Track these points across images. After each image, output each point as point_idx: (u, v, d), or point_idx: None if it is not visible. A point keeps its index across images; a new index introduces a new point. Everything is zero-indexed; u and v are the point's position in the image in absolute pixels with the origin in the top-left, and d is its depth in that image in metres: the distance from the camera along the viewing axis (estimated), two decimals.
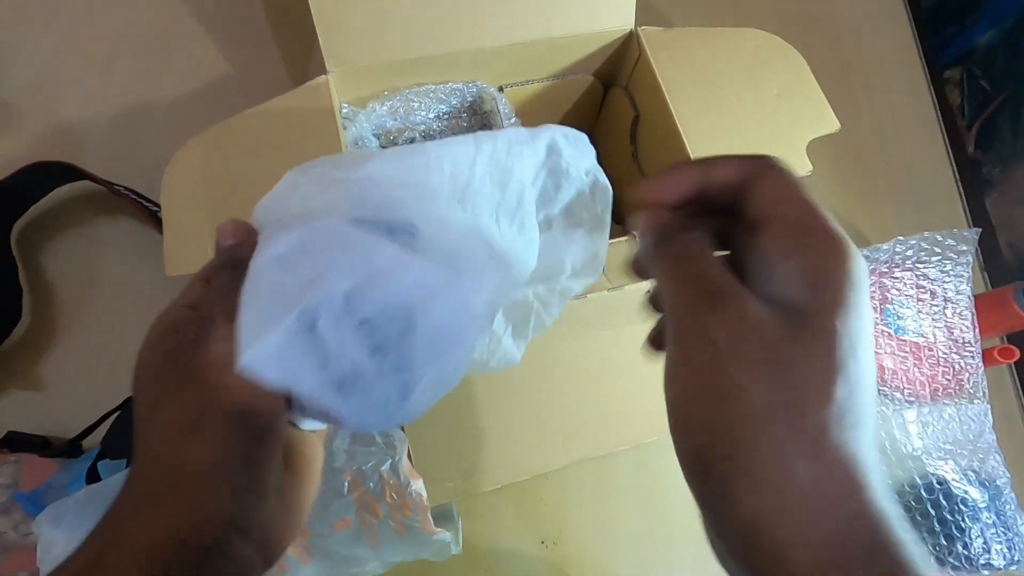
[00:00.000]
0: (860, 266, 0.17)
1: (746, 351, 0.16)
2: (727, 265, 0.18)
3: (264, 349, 0.18)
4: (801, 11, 0.61)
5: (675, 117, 0.39)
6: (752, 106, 0.40)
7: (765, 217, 0.18)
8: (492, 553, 0.42)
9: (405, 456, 0.33)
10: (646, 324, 0.37)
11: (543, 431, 0.40)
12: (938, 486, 0.42)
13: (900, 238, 0.47)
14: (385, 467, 0.32)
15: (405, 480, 0.32)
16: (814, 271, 0.16)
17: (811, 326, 0.16)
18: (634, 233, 0.21)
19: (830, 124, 0.40)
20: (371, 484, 0.32)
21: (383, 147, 0.43)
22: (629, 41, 0.42)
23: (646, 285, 0.33)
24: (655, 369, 0.35)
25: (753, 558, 0.15)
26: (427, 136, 0.43)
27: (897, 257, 0.47)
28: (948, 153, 0.59)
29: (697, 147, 0.38)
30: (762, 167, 0.18)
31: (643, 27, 0.41)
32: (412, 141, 0.43)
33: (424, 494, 0.32)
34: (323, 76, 0.37)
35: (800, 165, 0.39)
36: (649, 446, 0.45)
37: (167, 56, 0.53)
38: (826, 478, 0.15)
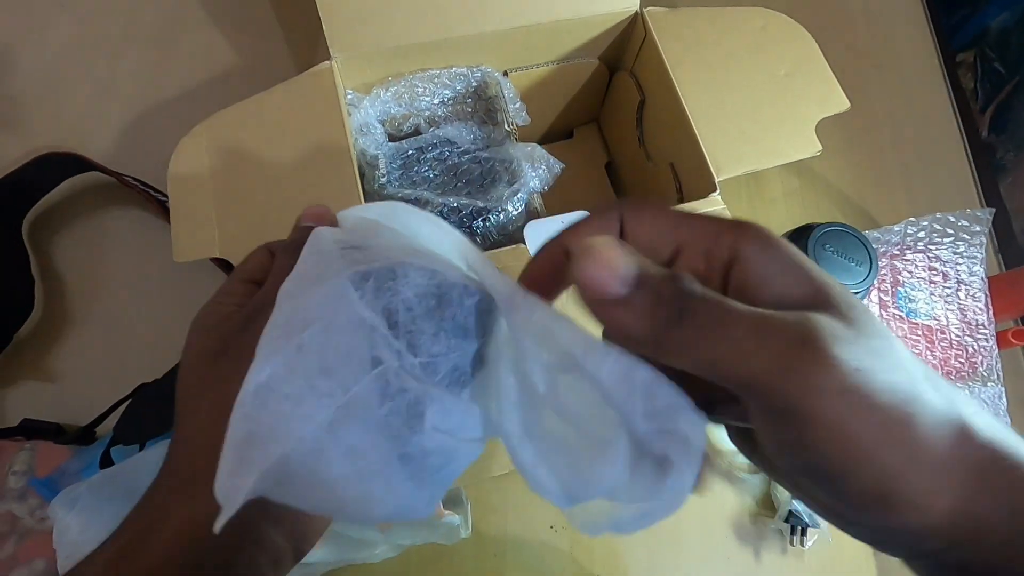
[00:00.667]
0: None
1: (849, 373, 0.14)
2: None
3: (236, 494, 0.15)
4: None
5: (682, 100, 0.39)
6: (760, 86, 0.40)
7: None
8: (501, 538, 0.42)
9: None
10: None
11: None
12: None
13: (912, 219, 0.46)
14: None
15: None
16: (796, 264, 0.16)
17: (854, 314, 0.15)
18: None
19: (840, 103, 0.39)
20: None
21: (388, 133, 0.43)
22: (634, 23, 0.42)
23: None
24: None
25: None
26: (431, 122, 0.43)
27: (909, 239, 0.47)
28: (962, 136, 0.58)
29: (705, 130, 0.38)
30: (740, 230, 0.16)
31: (649, 8, 0.41)
32: (417, 127, 0.43)
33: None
34: (327, 62, 0.37)
35: (810, 145, 0.38)
36: None
37: (174, 47, 0.53)
38: (940, 444, 0.14)
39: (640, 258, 0.15)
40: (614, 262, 0.14)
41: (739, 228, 0.16)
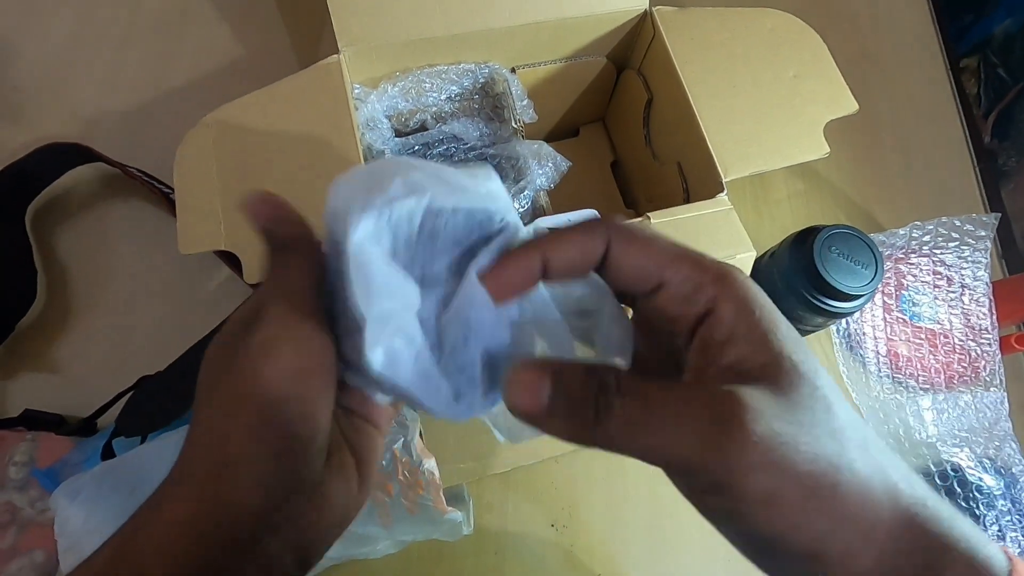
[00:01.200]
0: (754, 291, 0.18)
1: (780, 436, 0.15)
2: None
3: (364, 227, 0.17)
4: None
5: (690, 99, 0.39)
6: (769, 87, 0.40)
7: (642, 289, 0.18)
8: (502, 535, 0.42)
9: (417, 435, 0.33)
10: None
11: None
12: (953, 473, 0.42)
13: (917, 223, 0.46)
14: (397, 445, 0.32)
15: (417, 459, 0.32)
16: (737, 325, 0.17)
17: (783, 380, 0.16)
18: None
19: (848, 105, 0.39)
20: (383, 463, 0.32)
21: (395, 128, 0.43)
22: (643, 22, 0.42)
23: None
24: None
25: None
26: (438, 118, 0.43)
27: (913, 243, 0.47)
28: (967, 142, 0.58)
29: (712, 130, 0.38)
30: (609, 232, 0.18)
31: (658, 7, 0.41)
32: (423, 123, 0.43)
33: (436, 473, 0.32)
34: (335, 56, 0.37)
35: (817, 147, 0.38)
36: None
37: (178, 38, 0.53)
38: (873, 507, 0.16)
39: (556, 366, 0.17)
40: (529, 382, 0.16)
41: (722, 282, 0.17)
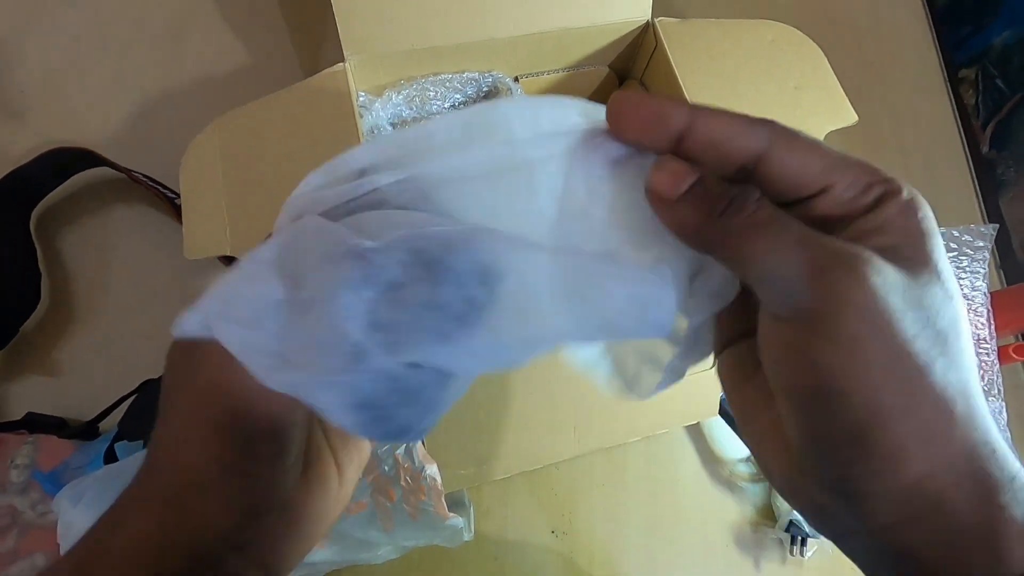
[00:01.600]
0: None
1: (884, 310, 0.14)
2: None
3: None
4: (818, 8, 0.61)
5: None
6: (770, 98, 0.40)
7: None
8: (502, 542, 0.42)
9: (419, 440, 0.33)
10: None
11: (555, 421, 0.40)
12: None
13: None
14: (399, 451, 0.32)
15: (419, 464, 0.32)
16: (899, 205, 0.16)
17: (927, 269, 0.15)
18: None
19: (848, 116, 0.40)
20: (386, 467, 0.32)
21: None
22: (645, 32, 0.42)
23: None
24: None
25: (914, 527, 0.15)
26: None
27: None
28: (964, 151, 0.59)
29: None
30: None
31: (660, 18, 0.41)
32: None
33: (438, 478, 0.32)
34: (341, 64, 0.37)
35: None
36: (659, 438, 0.45)
37: (183, 43, 0.53)
38: (962, 435, 0.14)
39: (702, 170, 0.16)
40: (679, 170, 0.16)
41: (892, 183, 0.16)
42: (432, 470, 0.32)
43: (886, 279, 0.14)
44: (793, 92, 0.40)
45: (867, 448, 0.14)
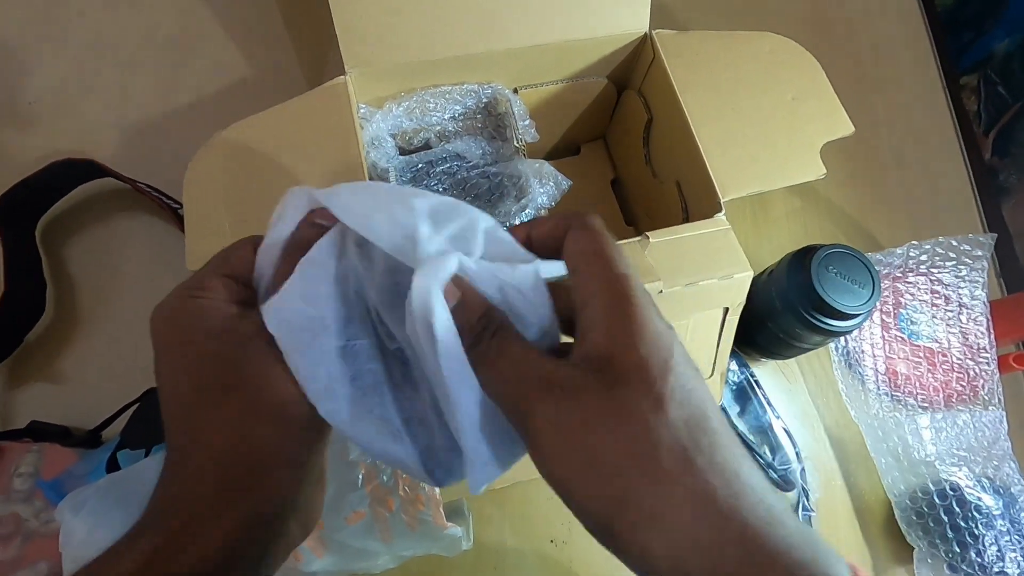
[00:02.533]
0: (641, 295, 0.18)
1: (577, 425, 0.17)
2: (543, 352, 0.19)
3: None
4: (816, 15, 0.61)
5: (689, 120, 0.39)
6: (767, 109, 0.40)
7: (571, 268, 0.20)
8: (501, 551, 0.42)
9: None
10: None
11: None
12: (951, 492, 0.42)
13: (914, 243, 0.46)
14: None
15: None
16: (602, 316, 0.18)
17: (617, 367, 0.17)
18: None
19: (845, 127, 0.40)
20: (384, 477, 0.32)
21: (399, 147, 0.43)
22: (643, 44, 0.43)
23: (657, 286, 0.34)
24: None
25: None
26: (442, 137, 0.44)
27: (911, 262, 0.47)
28: (964, 160, 0.59)
29: (711, 150, 0.39)
30: (569, 221, 0.20)
31: (657, 30, 0.42)
32: (427, 141, 0.43)
33: (437, 488, 0.32)
34: (341, 77, 0.38)
35: (814, 168, 0.39)
36: None
37: (188, 56, 0.54)
38: (692, 502, 0.16)
39: (479, 300, 0.19)
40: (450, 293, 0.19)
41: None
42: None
43: (559, 409, 0.17)
44: (790, 103, 0.41)
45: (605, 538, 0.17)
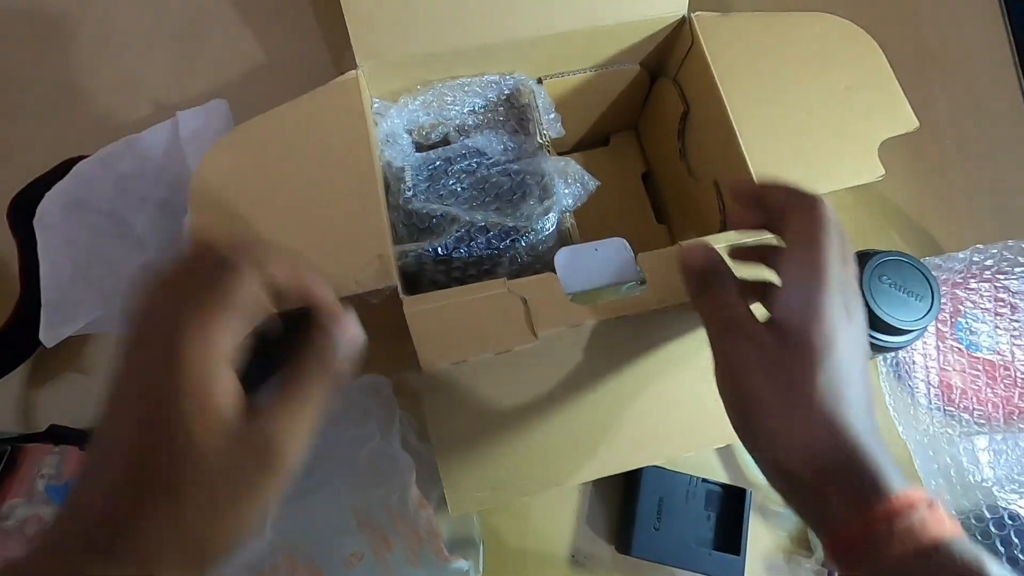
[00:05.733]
0: (835, 293, 0.23)
1: (752, 361, 0.24)
2: (749, 293, 0.27)
3: None
4: None
5: (729, 113, 0.36)
6: (818, 100, 0.36)
7: (787, 244, 0.25)
8: (520, 566, 0.40)
9: (413, 483, 0.31)
10: (683, 342, 0.34)
11: (574, 443, 0.38)
12: (1009, 522, 0.39)
13: (979, 246, 0.42)
14: (392, 500, 0.31)
15: (414, 511, 0.31)
16: (797, 302, 0.24)
17: (793, 338, 0.24)
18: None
19: (907, 122, 0.36)
20: (379, 518, 0.31)
21: (416, 143, 0.41)
22: (681, 28, 0.39)
23: (682, 297, 0.31)
24: (688, 387, 0.33)
25: (780, 478, 0.25)
26: (461, 131, 0.41)
27: (974, 267, 0.43)
28: None
29: (753, 145, 0.35)
30: (800, 202, 0.25)
31: (697, 13, 0.38)
32: (446, 136, 0.41)
33: (434, 521, 0.31)
34: (353, 71, 0.35)
35: (871, 168, 0.35)
36: (687, 460, 0.43)
37: (202, 43, 0.52)
38: (812, 428, 0.23)
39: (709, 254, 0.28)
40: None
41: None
42: (427, 515, 0.31)
43: (738, 346, 0.25)
44: (844, 93, 0.37)
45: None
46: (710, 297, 0.27)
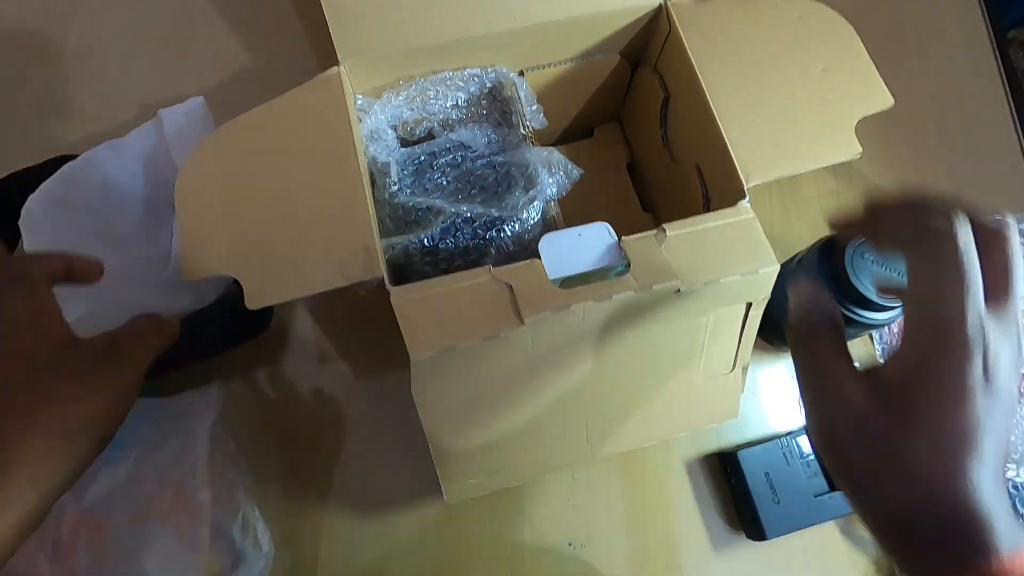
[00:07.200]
0: (956, 356, 0.20)
1: (847, 424, 0.22)
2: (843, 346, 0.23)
3: None
4: None
5: (708, 98, 0.36)
6: (796, 83, 0.37)
7: (909, 287, 0.21)
8: (517, 554, 0.41)
9: (203, 467, 0.35)
10: (669, 326, 0.35)
11: (566, 428, 0.38)
12: (1013, 491, 0.39)
13: None
14: (176, 475, 0.34)
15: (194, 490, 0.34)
16: (914, 363, 0.21)
17: (897, 402, 0.21)
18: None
19: (883, 100, 0.36)
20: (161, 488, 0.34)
21: (400, 138, 0.41)
22: (658, 16, 0.39)
23: (674, 285, 0.31)
24: (680, 367, 0.33)
25: (879, 535, 0.22)
26: (445, 125, 0.41)
27: None
28: (1017, 129, 0.54)
29: (733, 130, 0.36)
30: (922, 237, 0.21)
31: (673, 0, 0.38)
32: (430, 131, 0.41)
33: (208, 509, 0.35)
34: (335, 68, 0.36)
35: (848, 147, 0.36)
36: (679, 443, 0.43)
37: (187, 47, 0.52)
38: (907, 490, 0.21)
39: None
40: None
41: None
42: (206, 498, 0.35)
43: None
44: (821, 75, 0.37)
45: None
46: (813, 349, 0.24)
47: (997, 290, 0.20)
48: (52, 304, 0.27)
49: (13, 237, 0.44)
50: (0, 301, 0.25)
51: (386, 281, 0.31)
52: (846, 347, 0.23)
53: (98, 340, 0.27)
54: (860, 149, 0.35)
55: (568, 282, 0.32)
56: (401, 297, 0.30)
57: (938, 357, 0.20)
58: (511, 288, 0.31)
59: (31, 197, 0.39)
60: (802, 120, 0.36)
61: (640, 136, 0.48)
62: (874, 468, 0.21)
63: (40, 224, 0.38)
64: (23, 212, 0.39)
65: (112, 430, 0.26)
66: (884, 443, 0.21)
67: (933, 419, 0.20)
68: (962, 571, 0.19)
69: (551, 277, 0.31)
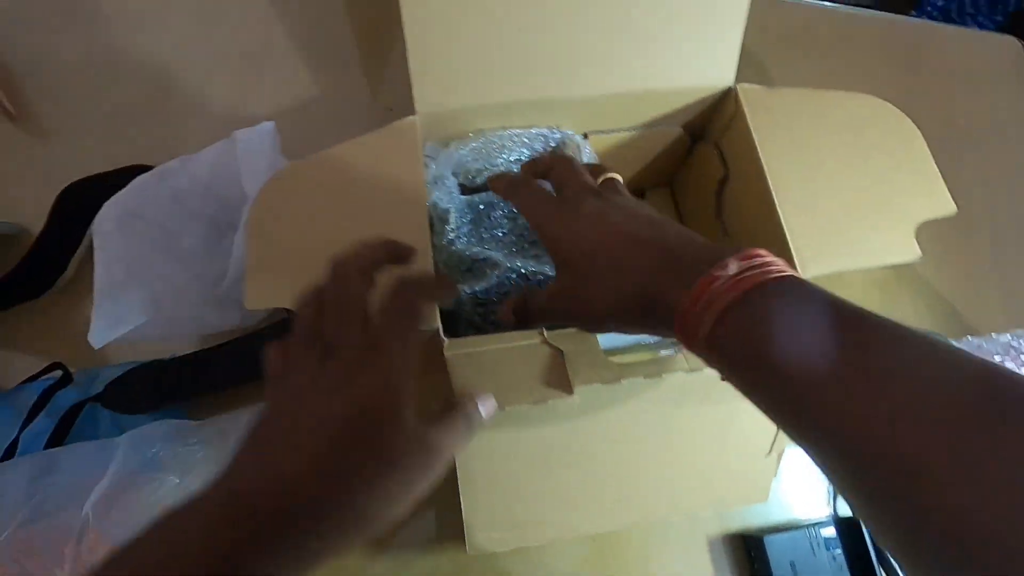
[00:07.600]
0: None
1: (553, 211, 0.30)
2: None
3: None
4: (910, 57, 0.56)
5: (769, 181, 0.37)
6: (856, 176, 0.37)
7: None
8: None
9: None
10: (716, 405, 0.35)
11: (597, 492, 0.38)
12: None
13: (1020, 331, 0.42)
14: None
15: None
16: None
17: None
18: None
19: (945, 206, 0.37)
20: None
21: (461, 184, 0.42)
22: (726, 96, 0.40)
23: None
24: (718, 445, 0.33)
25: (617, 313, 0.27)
26: None
27: (1012, 350, 0.43)
28: None
29: (792, 216, 0.36)
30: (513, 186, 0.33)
31: (742, 84, 0.39)
32: None
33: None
34: (411, 117, 0.37)
35: (908, 249, 0.36)
36: (704, 517, 0.42)
37: (262, 72, 0.55)
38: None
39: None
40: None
41: None
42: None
43: None
44: (882, 173, 0.37)
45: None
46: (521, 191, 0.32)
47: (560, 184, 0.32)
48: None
49: (77, 237, 0.46)
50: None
51: (440, 333, 0.32)
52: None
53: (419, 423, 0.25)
54: (919, 252, 0.35)
55: (618, 352, 0.33)
56: (454, 350, 0.31)
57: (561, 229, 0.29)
58: (562, 353, 0.31)
59: (106, 205, 0.41)
60: (862, 216, 0.36)
61: (692, 205, 0.49)
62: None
63: (112, 232, 0.40)
64: (96, 219, 0.41)
65: None
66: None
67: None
68: (697, 277, 0.23)
69: (603, 347, 0.32)
